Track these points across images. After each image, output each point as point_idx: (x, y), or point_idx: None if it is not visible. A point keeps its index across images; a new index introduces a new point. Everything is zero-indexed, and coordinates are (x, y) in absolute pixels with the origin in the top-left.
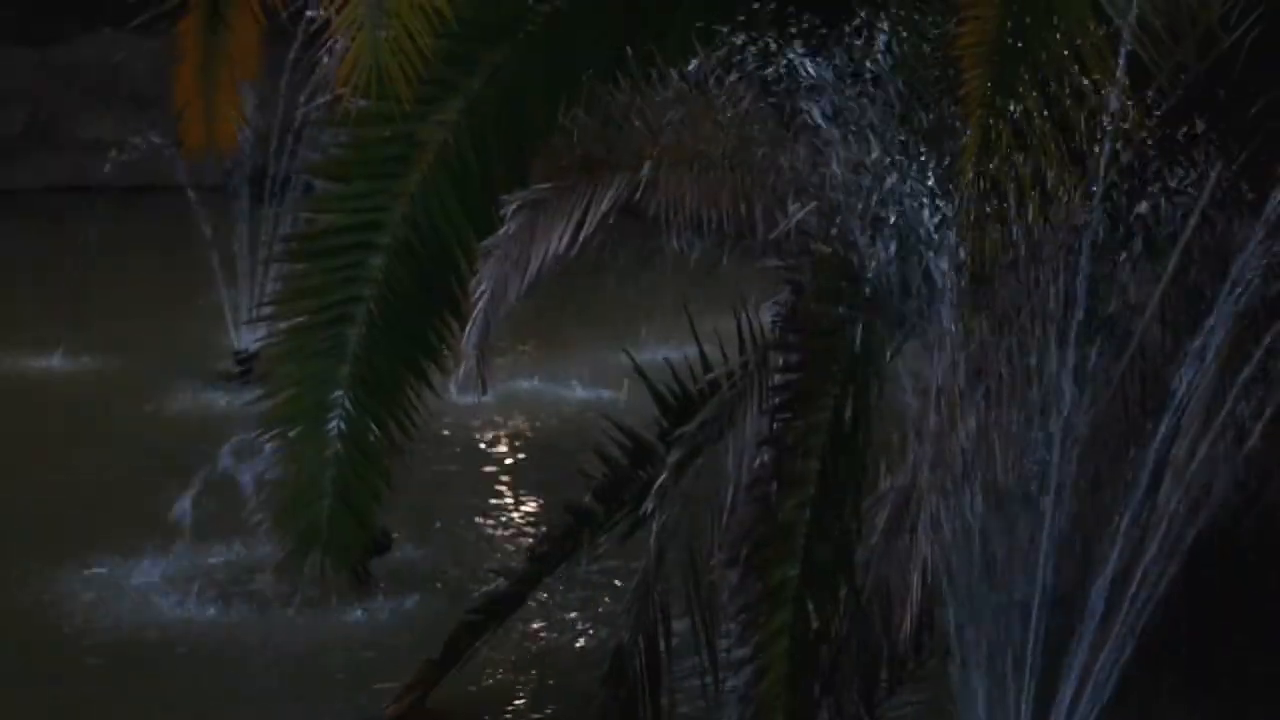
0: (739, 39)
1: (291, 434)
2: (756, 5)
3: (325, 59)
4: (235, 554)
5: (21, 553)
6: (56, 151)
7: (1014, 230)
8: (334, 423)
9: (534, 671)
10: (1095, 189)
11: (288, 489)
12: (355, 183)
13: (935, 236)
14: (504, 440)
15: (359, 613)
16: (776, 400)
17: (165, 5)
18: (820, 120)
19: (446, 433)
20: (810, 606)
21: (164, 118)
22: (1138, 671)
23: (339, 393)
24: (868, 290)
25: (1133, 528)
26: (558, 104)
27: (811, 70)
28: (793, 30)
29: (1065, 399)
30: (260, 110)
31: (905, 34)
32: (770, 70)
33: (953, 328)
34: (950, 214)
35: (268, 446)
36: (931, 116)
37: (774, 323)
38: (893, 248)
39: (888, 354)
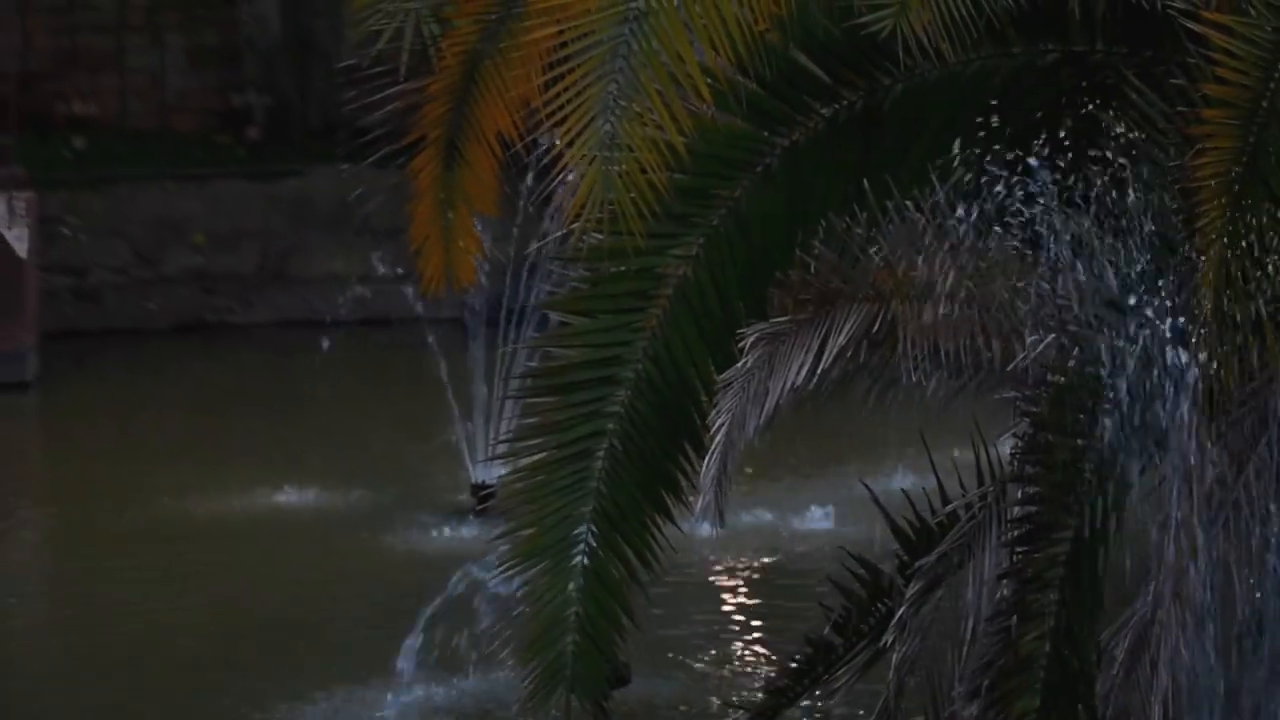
0: (974, 170)
1: (534, 569)
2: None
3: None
4: (470, 689)
5: (253, 688)
6: (290, 286)
7: (1254, 360)
8: (577, 558)
9: None
10: None
11: (531, 624)
12: (595, 317)
13: (1174, 368)
14: (740, 572)
15: None
16: (1015, 532)
17: (401, 141)
18: (1058, 251)
19: (683, 564)
20: None
21: (398, 251)
22: None
23: (582, 528)
24: (1106, 422)
25: None
26: (795, 237)
27: (1048, 201)
28: (1030, 161)
29: None
30: (495, 242)
31: (1143, 166)
32: (1007, 201)
33: (1191, 459)
34: (1189, 345)
35: (509, 581)
36: (1171, 247)
37: (1012, 454)
38: (1131, 379)
39: (1126, 486)
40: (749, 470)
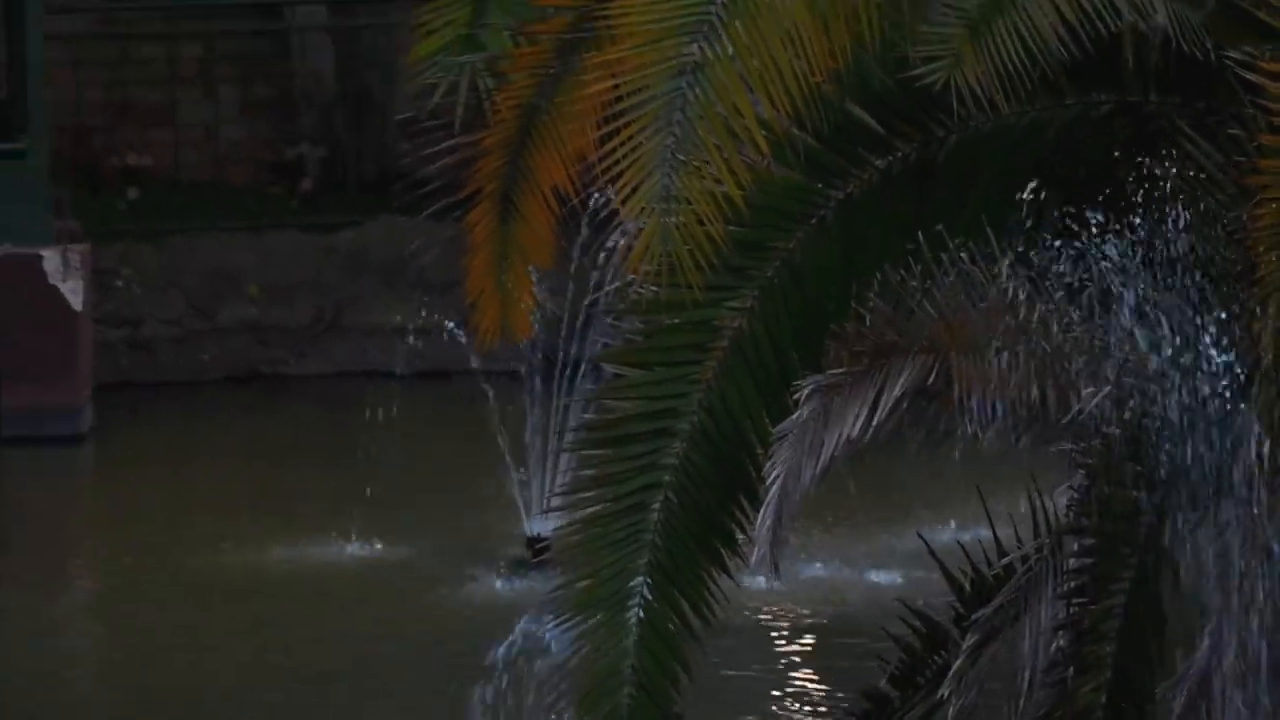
0: (1029, 222)
1: (590, 622)
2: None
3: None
4: None
5: None
6: (344, 338)
7: None
8: (633, 610)
9: None
10: None
11: (587, 677)
12: (650, 370)
13: (1233, 419)
14: (795, 624)
15: None
16: (1072, 584)
17: (457, 194)
18: (1113, 303)
19: (738, 617)
20: None
21: (453, 303)
22: None
23: (637, 580)
24: (1162, 474)
25: None
26: (850, 289)
27: (1103, 253)
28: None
29: None
30: (550, 294)
31: (1199, 218)
32: (1062, 252)
33: (1254, 509)
34: (1249, 396)
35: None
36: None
37: (1068, 506)
38: (1188, 430)
39: (1182, 538)
40: (804, 522)
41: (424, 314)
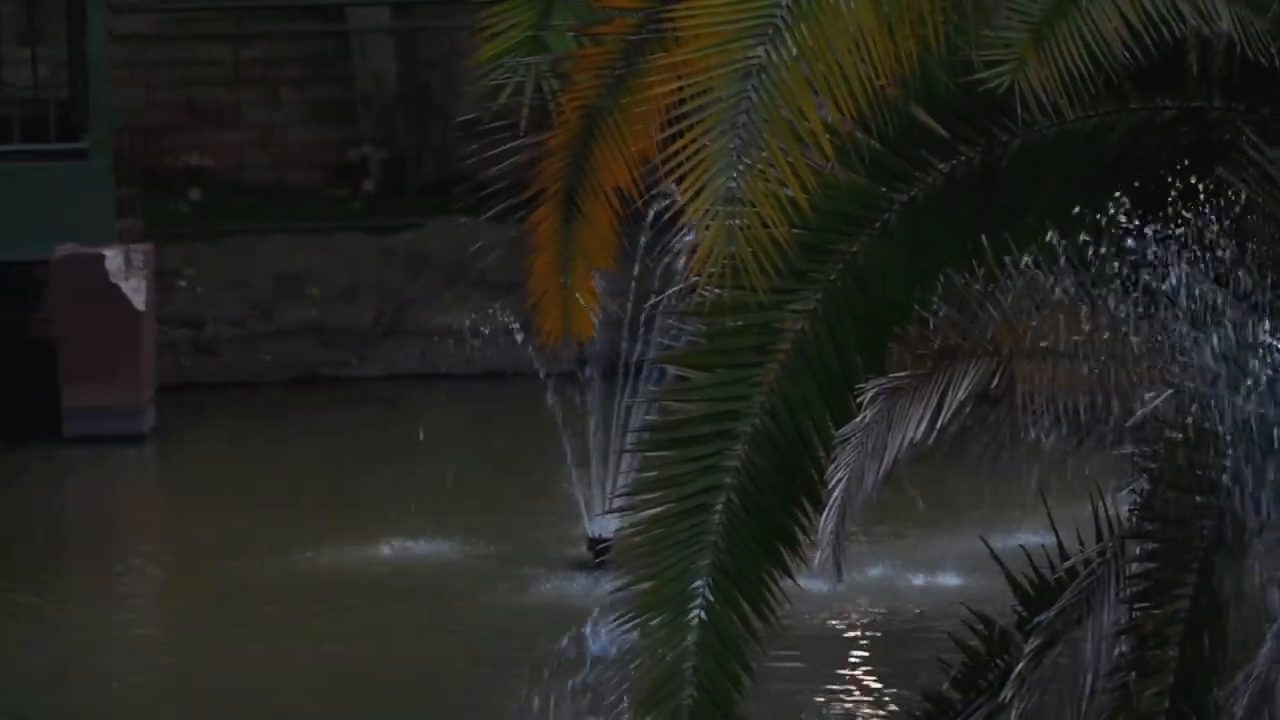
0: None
1: (652, 623)
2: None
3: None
4: None
5: None
6: (405, 339)
7: None
8: (695, 612)
9: None
10: None
11: (648, 679)
12: (713, 372)
13: None
14: (856, 627)
15: None
16: (1134, 589)
17: (519, 195)
18: (1176, 307)
19: (799, 619)
20: None
21: (514, 304)
22: None
23: (699, 582)
24: (1224, 478)
25: None
26: (913, 293)
27: (1167, 257)
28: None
29: None
30: (612, 295)
31: (1263, 222)
32: (1125, 257)
33: None
34: None
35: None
36: None
37: (1130, 511)
38: (1251, 435)
39: (1246, 542)
40: (866, 525)
41: (485, 315)
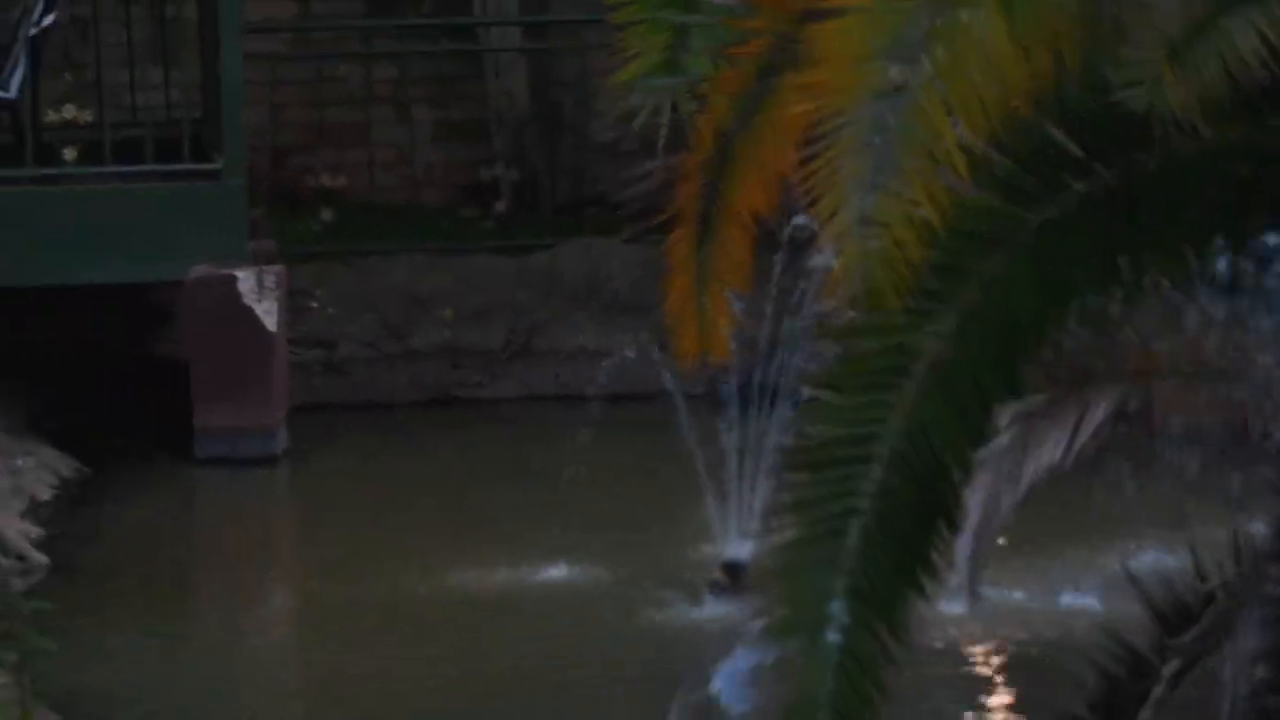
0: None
1: (787, 647)
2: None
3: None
4: None
5: None
6: (538, 361)
7: None
8: (831, 635)
9: None
10: None
11: (784, 702)
12: (849, 394)
13: None
14: (991, 650)
15: None
16: (1274, 611)
17: (654, 217)
18: None
19: (934, 643)
20: None
21: (646, 325)
22: None
23: (835, 605)
24: None
25: None
26: (1049, 314)
27: None
28: None
29: None
30: (746, 317)
31: None
32: (1264, 277)
33: None
34: None
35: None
36: None
37: (1269, 533)
38: None
39: None
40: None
41: (617, 336)
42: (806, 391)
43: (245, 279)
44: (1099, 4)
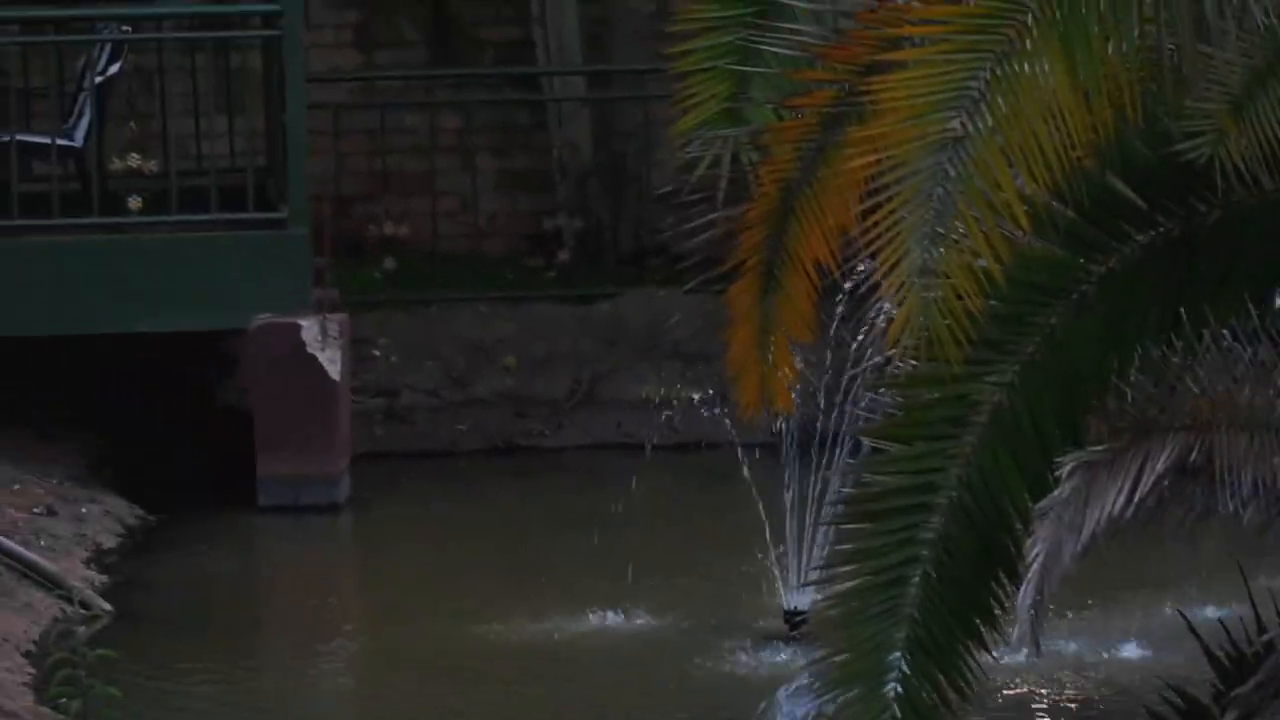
0: None
1: (847, 697)
2: None
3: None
4: None
5: None
6: (601, 409)
7: None
8: (891, 685)
9: None
10: None
11: None
12: (910, 444)
13: None
14: (1053, 700)
15: None
16: None
17: (716, 267)
18: None
19: (995, 692)
20: None
21: (708, 375)
22: None
23: (895, 655)
24: None
25: None
26: (1110, 365)
27: None
28: None
29: None
30: (807, 367)
31: None
32: None
33: None
34: None
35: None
36: None
37: None
38: None
39: None
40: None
41: (679, 386)
42: (868, 441)
43: (309, 327)
44: (1160, 55)
